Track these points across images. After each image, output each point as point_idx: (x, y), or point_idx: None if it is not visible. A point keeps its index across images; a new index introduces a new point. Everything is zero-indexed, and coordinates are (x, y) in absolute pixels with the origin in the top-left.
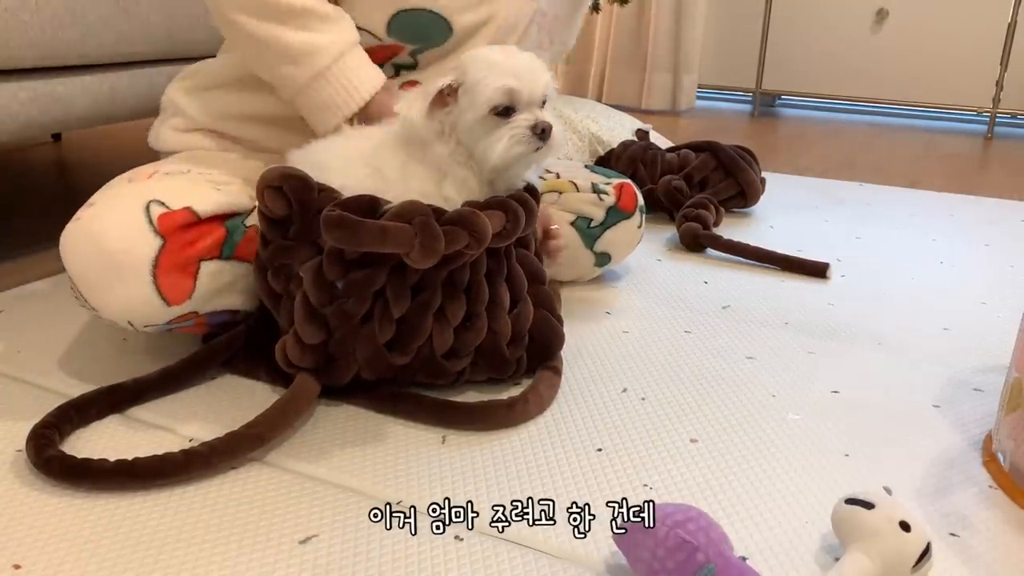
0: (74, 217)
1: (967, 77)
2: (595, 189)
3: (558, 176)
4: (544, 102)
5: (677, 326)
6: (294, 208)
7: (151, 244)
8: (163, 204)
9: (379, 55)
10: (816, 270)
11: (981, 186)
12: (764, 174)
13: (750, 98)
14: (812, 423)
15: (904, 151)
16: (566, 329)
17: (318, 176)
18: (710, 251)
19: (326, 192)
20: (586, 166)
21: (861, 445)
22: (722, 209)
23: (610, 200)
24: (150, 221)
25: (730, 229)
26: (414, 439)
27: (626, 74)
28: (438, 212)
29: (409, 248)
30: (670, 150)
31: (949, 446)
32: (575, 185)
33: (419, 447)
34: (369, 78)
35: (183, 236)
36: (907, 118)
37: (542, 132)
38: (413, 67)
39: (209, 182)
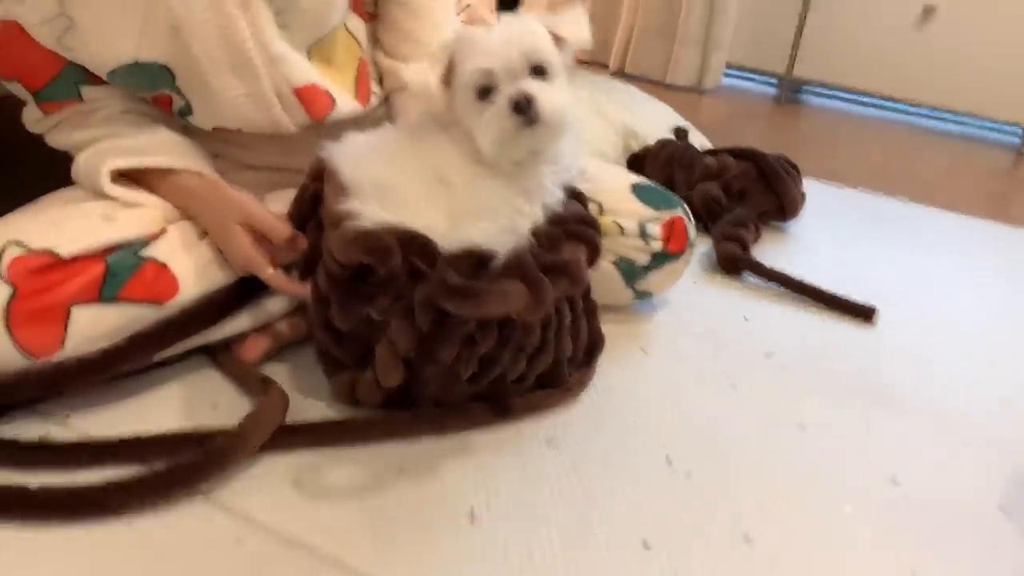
0: None
1: (1016, 87)
2: (642, 232)
3: (601, 209)
4: (541, 70)
5: (721, 378)
6: (381, 271)
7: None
8: (20, 244)
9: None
10: (862, 313)
11: None
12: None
13: (775, 82)
14: (870, 520)
15: (942, 162)
16: (600, 368)
17: (380, 198)
18: (747, 275)
19: (407, 242)
20: (633, 187)
21: (925, 559)
22: (761, 227)
23: (657, 245)
24: None
25: (765, 247)
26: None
27: (653, 45)
28: (535, 254)
29: (522, 306)
30: (709, 152)
31: (1017, 565)
32: (620, 227)
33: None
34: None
35: (39, 281)
36: (939, 121)
37: (517, 104)
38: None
39: (103, 212)
